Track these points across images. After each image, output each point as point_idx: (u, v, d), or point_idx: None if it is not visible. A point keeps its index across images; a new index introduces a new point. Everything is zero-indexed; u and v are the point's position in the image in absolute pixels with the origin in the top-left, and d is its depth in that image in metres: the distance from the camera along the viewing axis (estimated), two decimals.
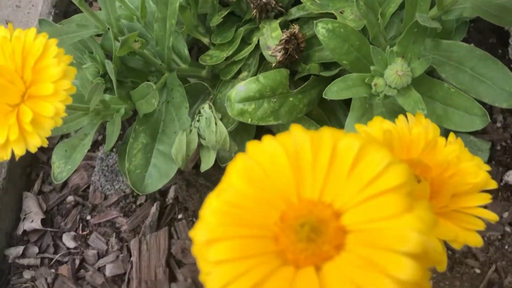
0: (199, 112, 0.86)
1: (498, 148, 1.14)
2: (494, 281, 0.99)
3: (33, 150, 0.56)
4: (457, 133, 1.12)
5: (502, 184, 1.10)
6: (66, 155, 0.82)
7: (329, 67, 0.93)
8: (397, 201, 0.31)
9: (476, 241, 0.43)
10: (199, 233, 0.34)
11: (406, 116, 0.51)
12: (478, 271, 1.01)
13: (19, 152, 0.55)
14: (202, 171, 0.91)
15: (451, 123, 0.77)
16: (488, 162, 1.12)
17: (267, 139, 0.36)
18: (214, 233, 0.33)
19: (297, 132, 0.35)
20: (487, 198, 0.45)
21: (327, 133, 0.35)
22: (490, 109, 1.19)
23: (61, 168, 0.82)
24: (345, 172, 0.33)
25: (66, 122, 0.73)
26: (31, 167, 1.15)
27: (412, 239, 0.29)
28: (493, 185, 0.46)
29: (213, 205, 0.35)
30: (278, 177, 0.35)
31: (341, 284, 0.30)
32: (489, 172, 1.13)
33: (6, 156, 0.55)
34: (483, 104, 1.04)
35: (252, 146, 0.36)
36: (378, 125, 0.47)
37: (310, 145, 0.35)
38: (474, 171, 0.45)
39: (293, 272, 0.32)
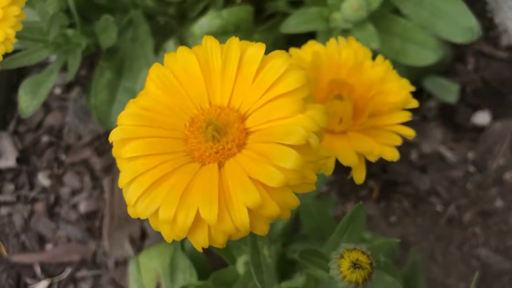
0: (164, 49, 0.87)
1: (468, 90, 1.15)
2: (454, 217, 1.02)
3: None
4: (429, 74, 1.14)
5: (469, 125, 1.12)
6: (33, 90, 0.83)
7: (297, 5, 0.93)
8: (291, 104, 0.33)
9: (392, 155, 0.45)
10: (115, 134, 0.36)
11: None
12: (439, 208, 1.04)
13: None
14: None
15: (408, 57, 0.78)
16: (457, 103, 1.14)
17: (180, 49, 0.37)
18: (128, 133, 0.35)
19: (209, 42, 0.37)
20: (406, 116, 0.47)
21: (235, 43, 0.36)
22: (462, 51, 1.20)
23: (28, 102, 0.84)
24: (250, 79, 0.35)
25: (27, 54, 0.74)
26: (6, 109, 1.16)
27: (297, 133, 0.31)
28: (414, 103, 0.47)
29: (129, 109, 0.37)
30: (191, 84, 0.37)
31: (237, 176, 0.32)
32: (457, 112, 1.14)
33: None
34: (454, 44, 1.05)
35: (168, 56, 0.38)
36: (310, 48, 0.48)
37: (220, 55, 0.36)
38: (397, 91, 0.46)
39: (198, 167, 0.34)
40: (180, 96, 0.36)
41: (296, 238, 0.70)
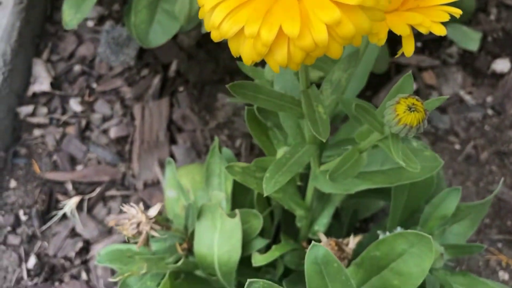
0: None
1: (489, 39, 1.19)
2: (472, 156, 1.06)
3: None
4: (451, 22, 1.17)
5: (489, 72, 1.16)
6: (76, 4, 0.86)
7: None
8: None
9: (440, 30, 0.48)
10: None
11: None
12: (457, 147, 1.08)
13: None
14: (203, 33, 0.96)
15: None
16: (478, 51, 1.17)
17: None
18: None
19: None
20: None
21: None
22: (485, 2, 1.23)
23: (71, 16, 0.87)
24: None
25: None
26: (40, 38, 1.19)
27: None
28: None
29: None
30: None
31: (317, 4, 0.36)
32: (477, 59, 1.17)
33: None
34: None
35: None
36: None
37: None
38: None
39: None
40: None
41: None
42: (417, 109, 0.42)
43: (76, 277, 0.98)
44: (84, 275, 0.99)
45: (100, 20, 1.22)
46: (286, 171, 0.52)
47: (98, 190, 1.05)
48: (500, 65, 1.15)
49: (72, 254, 1.00)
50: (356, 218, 0.77)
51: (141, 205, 0.65)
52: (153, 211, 0.64)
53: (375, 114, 0.47)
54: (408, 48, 0.49)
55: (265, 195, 0.50)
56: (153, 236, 0.65)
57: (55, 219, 1.01)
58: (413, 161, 0.47)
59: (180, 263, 0.67)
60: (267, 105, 0.53)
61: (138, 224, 0.63)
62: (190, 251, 0.72)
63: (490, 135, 1.09)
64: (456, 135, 1.09)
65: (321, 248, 0.49)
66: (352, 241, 0.63)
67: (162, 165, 1.07)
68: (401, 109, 0.43)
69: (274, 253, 0.66)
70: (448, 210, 0.65)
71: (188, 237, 0.70)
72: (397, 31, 0.48)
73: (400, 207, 0.65)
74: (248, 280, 0.49)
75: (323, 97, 0.54)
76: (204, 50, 1.17)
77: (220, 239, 0.66)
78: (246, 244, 0.68)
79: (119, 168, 1.08)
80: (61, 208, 1.03)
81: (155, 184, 1.06)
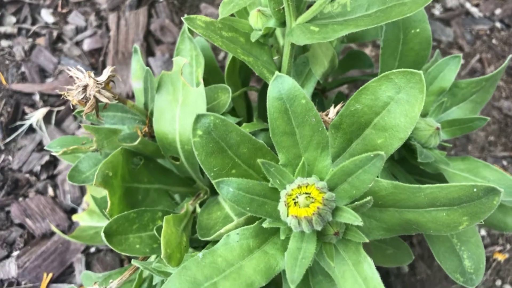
0: None
1: None
2: (477, 69, 0.97)
3: None
4: None
5: None
6: None
7: None
8: None
9: None
10: None
11: None
12: (462, 61, 0.98)
13: None
14: None
15: None
16: None
17: None
18: None
19: None
20: None
21: None
22: None
23: None
24: None
25: None
26: None
27: None
28: None
29: None
30: None
31: None
32: None
33: None
34: None
35: None
36: None
37: None
38: None
39: None
40: None
41: None
42: None
43: (42, 192, 0.90)
44: (50, 191, 0.91)
45: None
46: None
47: (68, 103, 0.97)
48: None
49: (38, 168, 0.92)
50: (343, 98, 0.68)
51: (91, 72, 0.57)
52: (102, 76, 0.55)
53: None
54: None
55: (220, 17, 0.41)
56: (105, 106, 0.57)
57: (20, 131, 0.93)
58: None
59: (137, 142, 0.58)
60: None
61: (85, 88, 0.54)
62: (152, 137, 0.64)
63: (498, 49, 0.99)
64: (461, 48, 0.99)
65: (287, 80, 0.40)
66: (333, 111, 0.54)
67: None
68: None
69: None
70: (446, 82, 0.56)
71: (149, 117, 0.62)
72: None
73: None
74: (196, 114, 0.40)
75: None
76: None
77: (182, 113, 0.58)
78: None
79: None
80: (27, 120, 0.95)
81: (130, 98, 0.98)
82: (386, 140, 0.45)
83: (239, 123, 0.61)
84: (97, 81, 0.55)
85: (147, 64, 0.99)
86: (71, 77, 0.55)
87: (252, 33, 0.57)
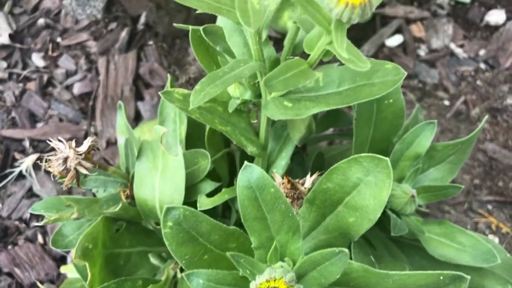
0: None
1: None
2: (462, 111, 0.98)
3: None
4: None
5: (482, 24, 1.07)
6: None
7: None
8: None
9: None
10: None
11: None
12: (447, 103, 0.99)
13: None
14: None
15: None
16: (471, 2, 1.08)
17: None
18: None
19: None
20: None
21: None
22: None
23: None
24: None
25: None
26: None
27: None
28: None
29: None
30: None
31: None
32: (470, 10, 1.08)
33: None
34: None
35: None
36: None
37: None
38: None
39: None
40: None
41: None
42: None
43: (31, 240, 0.91)
44: (40, 238, 0.91)
45: None
46: (220, 83, 0.44)
47: None
48: (495, 16, 1.06)
49: (27, 215, 0.93)
50: (322, 163, 0.69)
51: (72, 142, 0.58)
52: (83, 146, 0.56)
53: (318, 5, 0.39)
54: None
55: (191, 107, 0.42)
56: (85, 176, 0.58)
57: (10, 178, 0.94)
58: (361, 59, 0.39)
59: (117, 208, 0.59)
60: (202, 7, 0.45)
61: (65, 160, 0.55)
62: (134, 198, 0.65)
63: (482, 90, 1.00)
64: (446, 90, 1.01)
65: (256, 170, 0.41)
66: (309, 180, 0.55)
67: None
68: None
69: (222, 196, 0.58)
70: (421, 148, 0.57)
71: (130, 181, 0.63)
72: None
73: (366, 144, 0.57)
74: (166, 206, 0.41)
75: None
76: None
77: (162, 180, 0.58)
78: (193, 187, 0.61)
79: (81, 126, 1.00)
80: (18, 167, 0.96)
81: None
82: (357, 220, 0.46)
83: (220, 187, 0.63)
84: (78, 151, 0.56)
85: (136, 109, 1.00)
86: (52, 145, 0.56)
87: (231, 102, 0.58)
